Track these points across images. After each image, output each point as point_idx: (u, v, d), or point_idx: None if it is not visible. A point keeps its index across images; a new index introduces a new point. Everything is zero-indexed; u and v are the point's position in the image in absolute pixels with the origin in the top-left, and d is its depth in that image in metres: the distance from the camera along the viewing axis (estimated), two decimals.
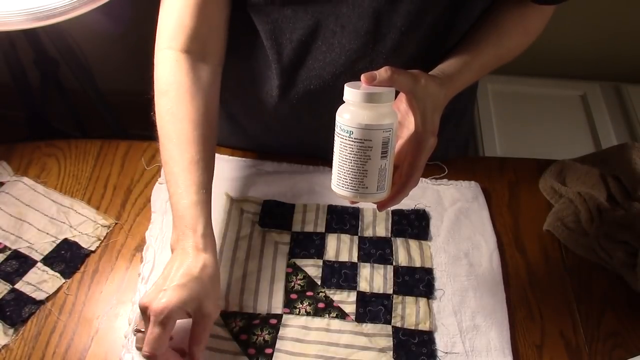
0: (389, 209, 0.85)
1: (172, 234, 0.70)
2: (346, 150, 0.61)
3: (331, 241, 0.82)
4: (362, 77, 0.60)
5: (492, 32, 0.77)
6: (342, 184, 0.63)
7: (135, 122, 1.62)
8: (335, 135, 0.62)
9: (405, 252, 0.81)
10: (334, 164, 0.63)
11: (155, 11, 0.77)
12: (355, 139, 0.60)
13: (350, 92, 0.60)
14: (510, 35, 0.79)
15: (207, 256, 0.67)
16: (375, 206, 0.85)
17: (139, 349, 0.65)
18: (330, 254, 0.81)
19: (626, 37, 1.72)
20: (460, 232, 0.84)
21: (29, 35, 1.42)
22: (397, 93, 0.63)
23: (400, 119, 0.68)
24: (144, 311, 0.63)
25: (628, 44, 1.74)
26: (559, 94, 1.76)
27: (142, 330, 0.64)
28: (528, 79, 1.74)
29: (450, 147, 0.98)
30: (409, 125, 0.67)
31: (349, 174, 0.62)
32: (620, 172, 0.86)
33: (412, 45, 0.76)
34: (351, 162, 0.61)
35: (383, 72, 0.60)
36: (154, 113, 0.75)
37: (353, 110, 0.60)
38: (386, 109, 0.61)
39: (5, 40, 1.39)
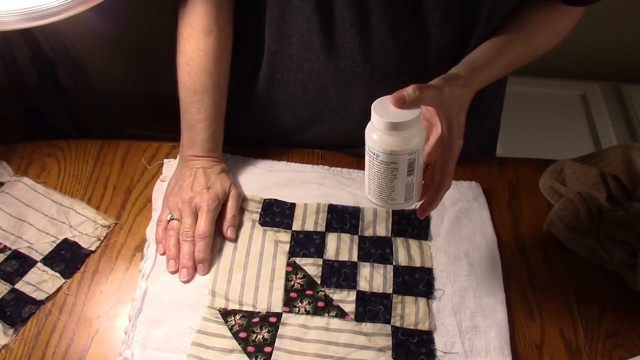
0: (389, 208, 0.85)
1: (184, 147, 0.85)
2: (374, 168, 0.62)
3: (331, 240, 0.82)
4: (391, 98, 0.59)
5: (521, 30, 0.78)
6: (373, 194, 0.65)
7: (131, 122, 1.63)
8: (365, 150, 0.63)
9: (405, 252, 0.81)
10: (365, 173, 0.65)
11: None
12: (382, 161, 0.61)
13: (377, 120, 0.59)
14: (539, 34, 0.79)
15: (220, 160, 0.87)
16: (376, 206, 0.86)
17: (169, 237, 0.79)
18: (330, 253, 0.81)
19: (626, 37, 1.72)
20: (460, 232, 0.84)
21: (26, 35, 1.42)
22: None
23: (429, 117, 0.67)
24: (186, 206, 0.79)
25: (628, 44, 1.74)
26: (559, 94, 1.76)
27: (176, 218, 0.80)
28: (528, 78, 1.74)
29: (473, 144, 0.95)
30: (437, 125, 0.66)
31: (378, 188, 0.64)
32: (620, 172, 0.86)
33: (442, 38, 0.77)
34: (379, 179, 0.63)
35: (412, 93, 0.59)
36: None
37: (379, 135, 0.60)
38: (412, 132, 0.60)
39: (1, 40, 1.39)
